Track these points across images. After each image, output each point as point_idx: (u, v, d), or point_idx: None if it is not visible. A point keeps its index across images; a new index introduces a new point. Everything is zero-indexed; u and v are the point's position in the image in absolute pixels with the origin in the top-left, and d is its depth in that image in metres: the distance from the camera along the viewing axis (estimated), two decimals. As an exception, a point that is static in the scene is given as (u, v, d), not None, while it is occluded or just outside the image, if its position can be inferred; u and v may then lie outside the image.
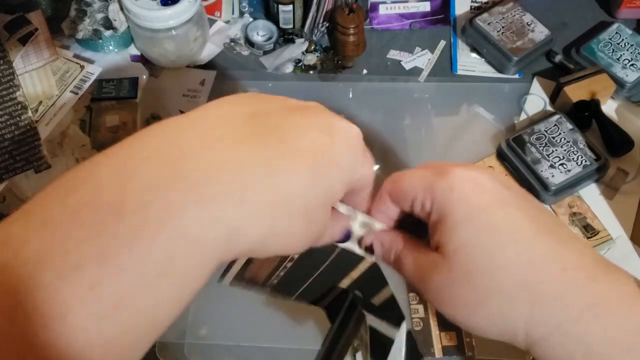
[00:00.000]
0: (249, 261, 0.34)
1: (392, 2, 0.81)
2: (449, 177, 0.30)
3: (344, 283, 0.36)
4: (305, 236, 0.27)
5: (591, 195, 0.65)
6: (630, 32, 0.73)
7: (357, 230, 0.34)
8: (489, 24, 0.73)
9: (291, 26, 0.77)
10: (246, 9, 0.81)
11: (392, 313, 0.37)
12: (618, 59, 0.71)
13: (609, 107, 0.70)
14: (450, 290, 0.30)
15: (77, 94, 0.70)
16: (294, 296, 0.37)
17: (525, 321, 0.28)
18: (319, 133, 0.27)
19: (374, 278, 0.36)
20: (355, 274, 0.36)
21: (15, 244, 0.21)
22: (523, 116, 0.71)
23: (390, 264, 0.33)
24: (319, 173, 0.26)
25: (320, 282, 0.36)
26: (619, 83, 0.70)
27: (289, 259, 0.35)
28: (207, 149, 0.24)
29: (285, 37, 0.77)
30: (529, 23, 0.73)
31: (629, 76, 0.70)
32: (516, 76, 0.74)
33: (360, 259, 0.35)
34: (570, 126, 0.65)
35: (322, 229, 0.29)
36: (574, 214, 0.63)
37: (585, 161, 0.63)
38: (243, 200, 0.24)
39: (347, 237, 0.34)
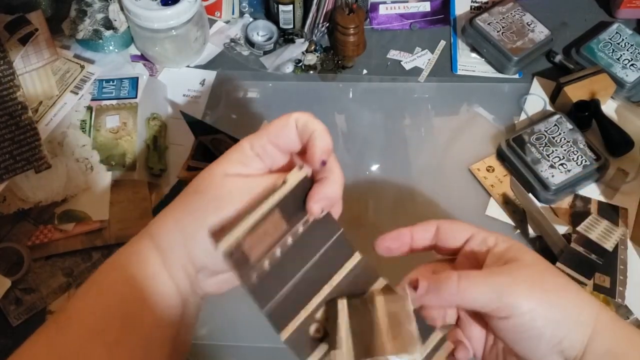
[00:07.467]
0: (252, 230, 0.34)
1: (392, 2, 0.81)
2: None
3: (325, 290, 0.36)
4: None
5: (591, 195, 0.65)
6: (630, 32, 0.73)
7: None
8: (489, 24, 0.73)
9: (291, 26, 0.77)
10: (246, 9, 0.81)
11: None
12: (618, 59, 0.71)
13: (609, 107, 0.70)
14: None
15: (77, 94, 0.70)
16: (273, 299, 0.35)
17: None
18: None
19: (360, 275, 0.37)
20: (338, 277, 0.36)
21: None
22: (523, 116, 0.71)
23: (447, 297, 0.35)
24: None
25: (307, 282, 0.35)
26: (619, 83, 0.70)
27: (291, 231, 0.35)
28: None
29: (285, 37, 0.77)
30: (529, 23, 0.73)
31: (629, 76, 0.70)
32: (516, 76, 0.74)
33: (350, 253, 0.37)
34: (570, 126, 0.65)
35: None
36: (574, 213, 0.63)
37: (585, 161, 0.63)
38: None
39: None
